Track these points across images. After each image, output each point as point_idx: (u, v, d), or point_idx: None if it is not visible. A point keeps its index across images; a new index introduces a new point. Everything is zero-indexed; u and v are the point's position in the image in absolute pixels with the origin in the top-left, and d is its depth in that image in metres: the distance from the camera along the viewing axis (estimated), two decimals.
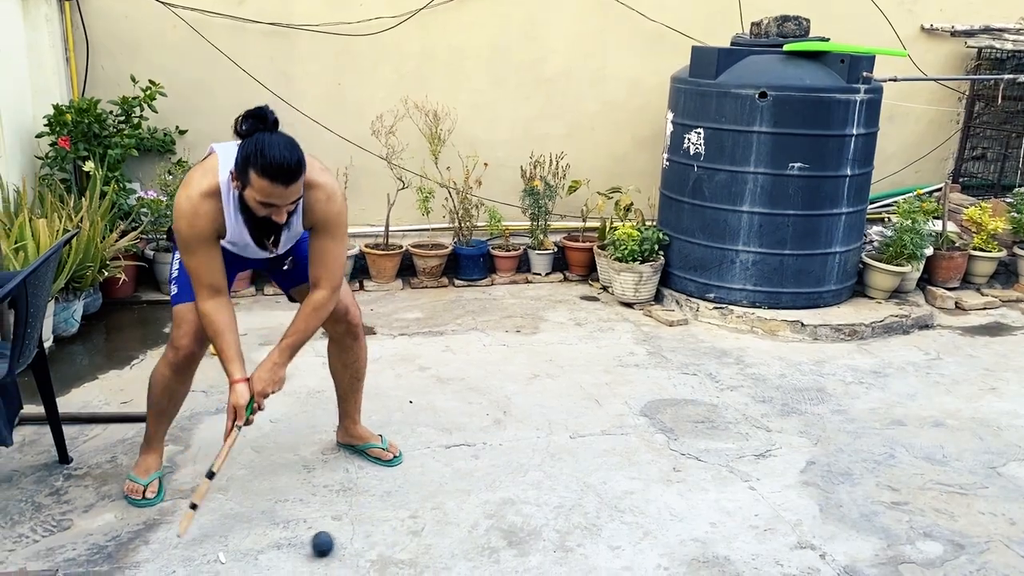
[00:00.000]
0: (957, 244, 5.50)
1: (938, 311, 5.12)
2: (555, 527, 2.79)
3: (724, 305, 4.88)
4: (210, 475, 2.59)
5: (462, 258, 5.41)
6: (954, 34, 6.10)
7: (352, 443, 3.20)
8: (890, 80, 4.78)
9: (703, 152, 4.85)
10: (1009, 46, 5.80)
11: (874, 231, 5.47)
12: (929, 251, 5.24)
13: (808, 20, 4.93)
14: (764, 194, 4.72)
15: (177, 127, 5.09)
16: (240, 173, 2.42)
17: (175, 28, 5.00)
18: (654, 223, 5.36)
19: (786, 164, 4.66)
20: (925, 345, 4.63)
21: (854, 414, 3.76)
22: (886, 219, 5.79)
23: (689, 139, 4.90)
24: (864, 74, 4.61)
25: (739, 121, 4.68)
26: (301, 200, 2.52)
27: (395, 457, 3.17)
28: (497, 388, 3.87)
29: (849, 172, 4.75)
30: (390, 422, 3.48)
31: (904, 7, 6.04)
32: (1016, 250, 5.51)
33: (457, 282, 5.41)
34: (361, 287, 5.25)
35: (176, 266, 2.76)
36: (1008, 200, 5.61)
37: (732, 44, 5.04)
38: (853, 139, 4.70)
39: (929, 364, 4.36)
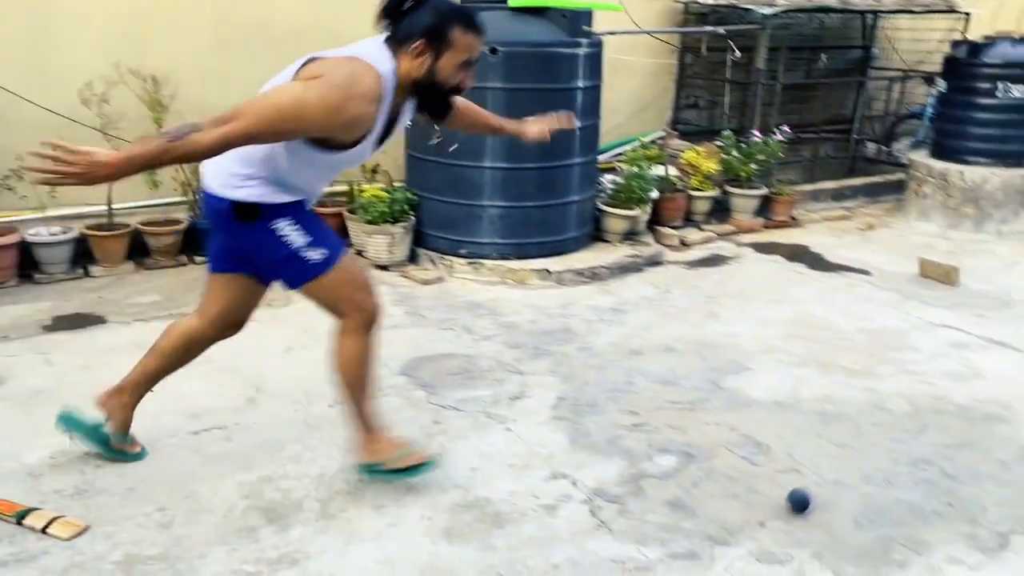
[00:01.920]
0: (678, 186, 6.01)
1: (666, 249, 5.59)
2: (316, 497, 2.75)
3: (476, 260, 5.00)
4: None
5: (201, 233, 5.09)
6: None
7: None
8: (608, 34, 5.07)
9: None
10: (709, 0, 6.36)
11: (607, 179, 5.83)
12: (655, 194, 5.69)
13: None
14: (504, 149, 4.86)
15: None
16: (437, 40, 2.34)
17: None
18: (403, 183, 5.35)
19: (522, 118, 4.80)
20: (656, 280, 5.04)
21: (598, 349, 4.02)
22: (617, 167, 6.19)
23: None
24: (584, 28, 4.85)
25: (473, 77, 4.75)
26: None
27: (139, 451, 2.94)
28: (249, 365, 3.71)
29: (578, 124, 4.99)
30: None
31: None
32: (727, 188, 6.13)
33: (197, 259, 5.08)
34: (86, 273, 4.78)
35: (305, 238, 2.46)
36: (718, 143, 6.21)
37: (461, 1, 5.09)
38: (580, 92, 4.95)
39: (661, 297, 4.76)
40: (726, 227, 6.03)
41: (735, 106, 6.90)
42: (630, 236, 5.56)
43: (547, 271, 4.91)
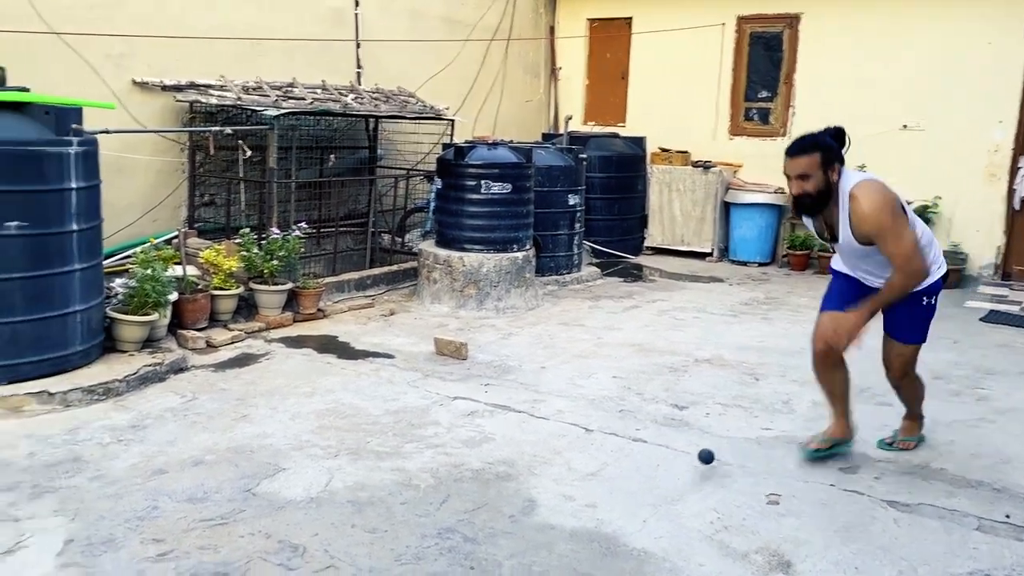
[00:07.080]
0: (200, 286, 5.78)
1: (191, 353, 5.31)
2: None
3: None
4: None
5: None
6: (164, 88, 6.40)
7: None
8: (102, 132, 4.74)
9: None
10: (214, 100, 6.34)
11: (118, 284, 5.38)
12: (174, 296, 5.39)
13: (3, 68, 4.56)
14: None
15: None
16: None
17: None
18: None
19: (1, 223, 4.23)
20: (181, 388, 4.75)
21: (114, 475, 3.62)
22: (129, 270, 5.75)
23: None
24: (74, 126, 4.47)
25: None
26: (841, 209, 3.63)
27: None
28: None
29: (75, 227, 4.56)
30: None
31: (112, 61, 6.09)
32: (252, 285, 6.07)
33: None
34: None
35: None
36: (237, 241, 6.14)
37: None
38: (74, 193, 4.52)
39: (186, 407, 4.48)
40: (254, 324, 5.95)
41: (253, 203, 6.92)
42: (150, 343, 5.18)
43: (48, 393, 4.32)
